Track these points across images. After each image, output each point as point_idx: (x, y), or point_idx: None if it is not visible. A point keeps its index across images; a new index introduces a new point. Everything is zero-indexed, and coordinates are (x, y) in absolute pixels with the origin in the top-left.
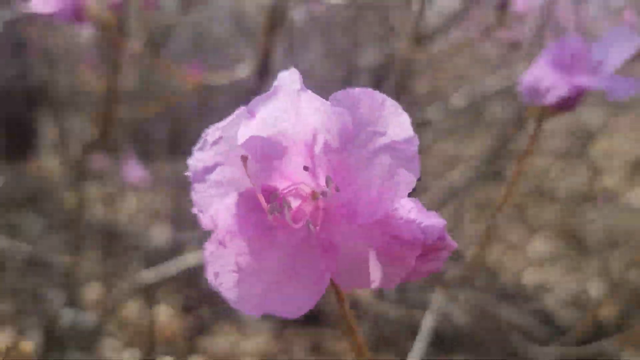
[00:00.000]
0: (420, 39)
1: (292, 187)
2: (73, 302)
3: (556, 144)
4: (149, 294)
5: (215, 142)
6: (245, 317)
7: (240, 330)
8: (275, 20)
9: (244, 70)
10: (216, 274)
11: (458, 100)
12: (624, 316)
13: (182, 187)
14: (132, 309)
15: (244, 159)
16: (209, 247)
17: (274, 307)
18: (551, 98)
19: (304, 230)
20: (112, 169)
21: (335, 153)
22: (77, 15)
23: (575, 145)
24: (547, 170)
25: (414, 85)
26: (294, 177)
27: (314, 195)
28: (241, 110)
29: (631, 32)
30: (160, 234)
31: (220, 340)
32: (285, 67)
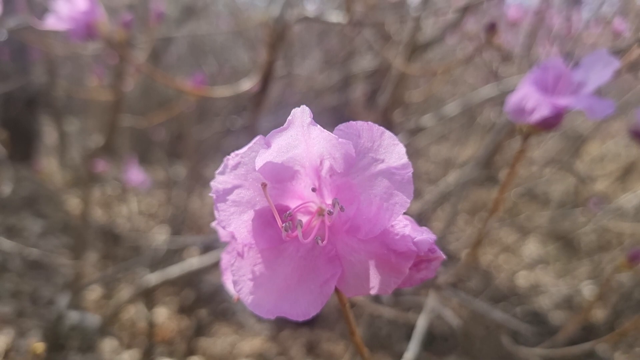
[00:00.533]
0: (416, 49)
1: (301, 205)
2: (74, 303)
3: (549, 149)
4: (149, 296)
5: (234, 167)
6: (242, 319)
7: (238, 332)
8: (278, 34)
9: (247, 84)
10: (235, 281)
11: (452, 107)
12: (614, 317)
13: (180, 190)
14: (132, 310)
15: (264, 185)
16: (227, 257)
17: (286, 311)
18: (535, 117)
19: (311, 243)
20: (113, 172)
21: (339, 176)
22: (90, 33)
23: (568, 150)
24: (539, 174)
25: (409, 91)
26: (304, 197)
27: (320, 212)
28: (258, 139)
29: (609, 56)
30: (159, 236)
31: (219, 341)
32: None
